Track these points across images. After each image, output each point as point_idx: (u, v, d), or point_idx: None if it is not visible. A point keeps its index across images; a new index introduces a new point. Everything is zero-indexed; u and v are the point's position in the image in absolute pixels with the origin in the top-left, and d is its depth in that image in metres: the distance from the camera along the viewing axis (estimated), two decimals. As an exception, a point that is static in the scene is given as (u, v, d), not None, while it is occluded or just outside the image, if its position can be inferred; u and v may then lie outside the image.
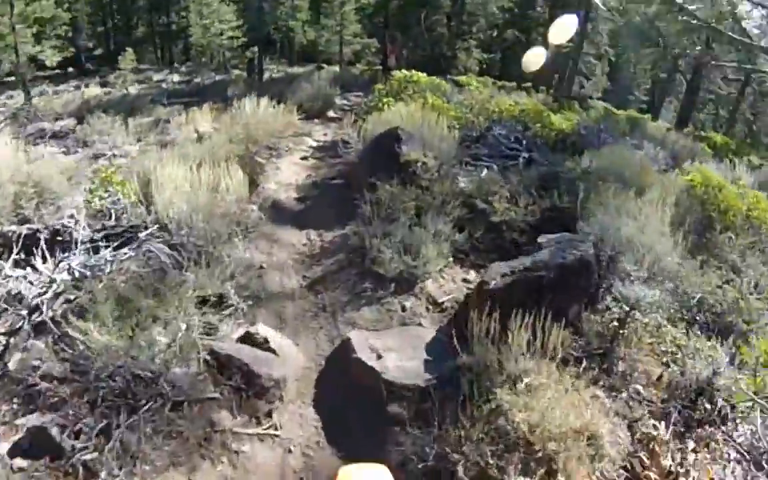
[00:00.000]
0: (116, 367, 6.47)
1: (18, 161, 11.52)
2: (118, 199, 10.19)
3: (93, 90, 31.61)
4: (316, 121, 21.35)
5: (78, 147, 18.20)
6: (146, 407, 6.44)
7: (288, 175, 14.65)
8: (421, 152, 12.39)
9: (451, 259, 10.16)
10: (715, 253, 10.54)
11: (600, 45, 41.84)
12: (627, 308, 7.94)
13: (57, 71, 39.53)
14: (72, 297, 7.82)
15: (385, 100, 17.23)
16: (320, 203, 13.00)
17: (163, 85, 32.08)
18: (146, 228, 9.42)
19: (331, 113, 23.07)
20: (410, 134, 12.83)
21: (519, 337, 6.68)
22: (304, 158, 16.28)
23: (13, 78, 32.58)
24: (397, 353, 7.60)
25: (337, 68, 36.16)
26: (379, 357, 7.49)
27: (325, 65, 36.88)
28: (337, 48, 37.46)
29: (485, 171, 13.41)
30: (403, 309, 8.96)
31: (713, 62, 36.95)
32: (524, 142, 15.70)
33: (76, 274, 8.15)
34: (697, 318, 8.72)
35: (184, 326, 7.14)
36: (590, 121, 20.81)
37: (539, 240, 8.88)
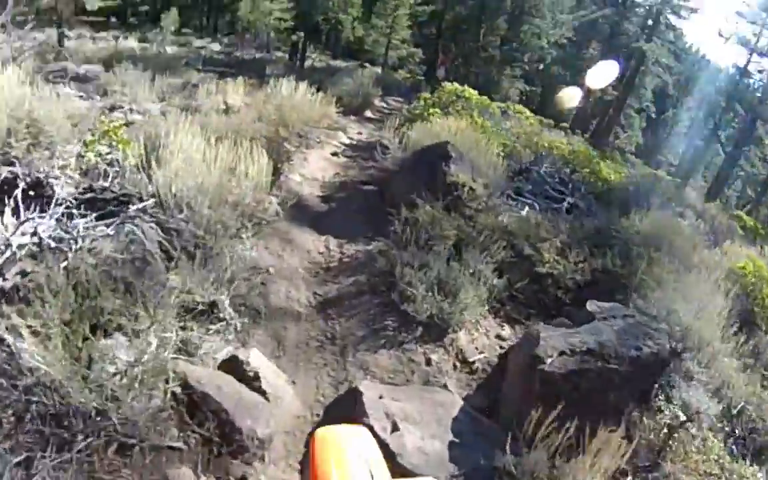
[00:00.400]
0: (50, 390, 4.59)
1: (22, 94, 9.63)
2: (117, 160, 8.30)
3: (130, 43, 29.88)
4: (353, 117, 19.59)
5: (97, 94, 16.43)
6: (84, 444, 4.54)
7: (315, 169, 12.94)
8: (470, 176, 10.66)
9: (486, 307, 8.37)
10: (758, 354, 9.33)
11: (642, 99, 40.24)
12: (683, 416, 6.83)
13: (99, 19, 38.09)
14: (28, 269, 5.93)
15: (432, 110, 15.46)
16: (346, 208, 11.22)
17: (202, 52, 30.22)
18: (141, 200, 7.49)
19: (369, 113, 21.38)
20: (460, 153, 11.09)
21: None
22: (335, 154, 14.61)
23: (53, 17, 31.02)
24: (417, 426, 5.78)
25: (379, 70, 34.63)
26: (396, 428, 5.64)
27: (368, 65, 35.12)
28: (383, 50, 35.96)
29: (526, 209, 11.86)
30: (428, 362, 7.22)
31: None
32: (570, 185, 14.24)
33: (41, 242, 6.27)
34: (736, 430, 7.64)
35: (155, 342, 5.25)
36: (638, 177, 18.87)
37: (589, 307, 7.54)
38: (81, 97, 15.90)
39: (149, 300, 5.72)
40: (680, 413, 6.83)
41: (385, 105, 24.62)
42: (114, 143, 8.49)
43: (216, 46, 34.08)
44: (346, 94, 20.86)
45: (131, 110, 14.77)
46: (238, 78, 18.48)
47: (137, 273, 6.18)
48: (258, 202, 8.78)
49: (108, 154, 8.40)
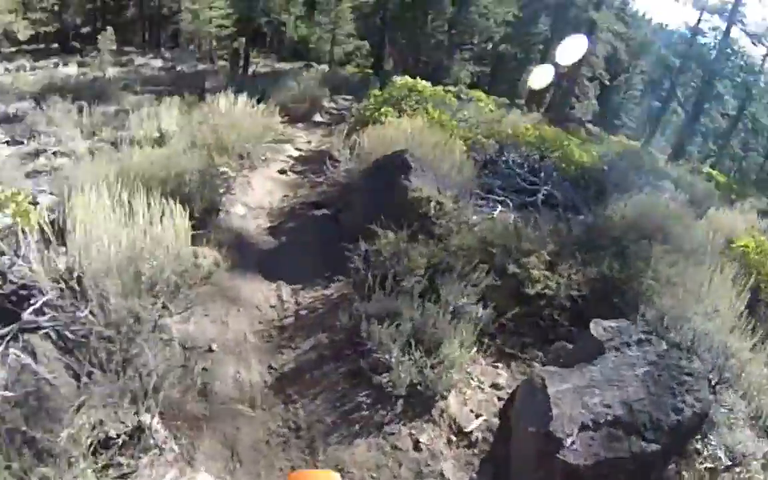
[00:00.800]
0: None
1: None
2: (15, 236, 6.41)
3: (69, 69, 27.75)
4: (300, 125, 17.81)
5: (24, 137, 14.52)
6: None
7: (260, 195, 11.26)
8: (434, 187, 9.00)
9: (474, 349, 6.61)
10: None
11: (595, 68, 38.88)
12: (727, 460, 5.44)
13: (40, 46, 35.64)
14: None
15: (383, 110, 13.69)
16: (298, 240, 9.50)
17: (143, 70, 28.16)
18: (41, 292, 5.63)
19: (317, 117, 19.60)
20: (419, 161, 9.40)
21: None
22: (282, 172, 12.97)
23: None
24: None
25: (326, 67, 32.97)
26: None
27: (314, 63, 33.42)
28: (328, 46, 33.93)
29: (498, 208, 10.58)
30: (417, 446, 5.54)
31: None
32: (542, 173, 12.87)
33: None
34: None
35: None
36: (611, 153, 17.29)
37: (593, 330, 6.03)
38: (7, 142, 14.16)
39: (53, 449, 3.96)
40: (723, 456, 5.40)
41: (334, 106, 22.85)
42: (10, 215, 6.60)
43: (158, 62, 31.89)
44: (291, 100, 19.12)
45: (56, 153, 12.94)
46: (174, 97, 16.68)
47: (32, 414, 4.36)
48: (183, 265, 6.91)
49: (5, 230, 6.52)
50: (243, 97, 14.12)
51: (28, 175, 11.71)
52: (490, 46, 38.54)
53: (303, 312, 7.48)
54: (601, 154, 16.04)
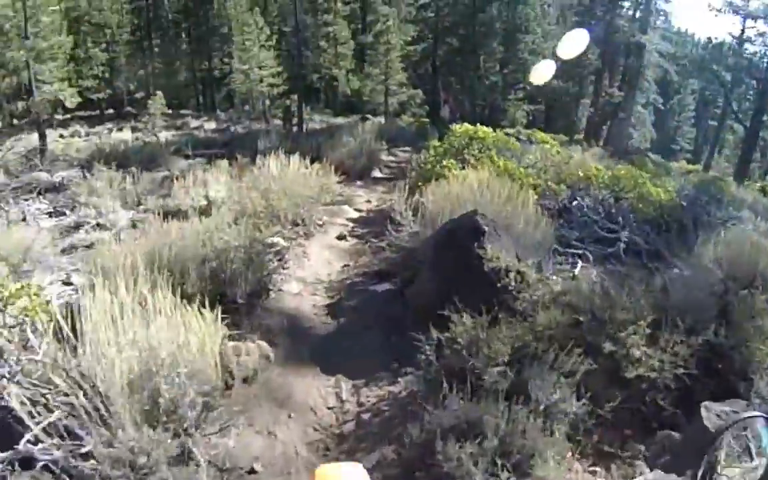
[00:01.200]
0: None
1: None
2: (27, 338, 5.31)
3: (123, 135, 27.29)
4: (358, 183, 16.71)
5: (67, 208, 13.71)
6: None
7: (318, 266, 10.08)
8: (512, 253, 7.71)
9: (569, 453, 5.33)
10: None
11: (648, 93, 37.37)
12: None
13: (94, 113, 35.91)
14: None
15: (446, 163, 12.49)
16: (360, 322, 8.14)
17: (196, 133, 27.49)
18: (49, 408, 4.52)
19: (376, 173, 18.46)
20: (492, 222, 8.03)
21: None
22: (341, 237, 11.72)
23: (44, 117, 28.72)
24: None
25: (382, 119, 31.86)
26: None
27: (369, 116, 32.39)
28: (381, 98, 32.86)
29: (579, 265, 9.27)
30: None
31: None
32: (620, 218, 11.53)
33: None
34: None
35: None
36: (687, 186, 15.77)
37: (704, 416, 5.14)
38: (49, 214, 13.36)
39: None
40: None
41: (392, 158, 21.74)
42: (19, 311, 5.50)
43: (212, 125, 31.29)
44: (348, 156, 18.04)
45: (98, 225, 12.04)
46: (224, 161, 15.83)
47: None
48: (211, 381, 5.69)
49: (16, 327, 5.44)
50: (296, 158, 12.99)
51: (64, 251, 10.82)
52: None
53: (365, 415, 6.21)
54: (677, 188, 14.54)
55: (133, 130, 27.99)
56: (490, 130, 14.46)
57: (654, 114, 41.59)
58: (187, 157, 20.40)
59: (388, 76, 31.73)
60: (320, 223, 12.02)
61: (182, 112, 36.69)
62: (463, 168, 12.24)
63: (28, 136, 24.58)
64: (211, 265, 7.64)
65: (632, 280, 8.26)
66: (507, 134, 16.59)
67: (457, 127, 14.24)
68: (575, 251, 9.90)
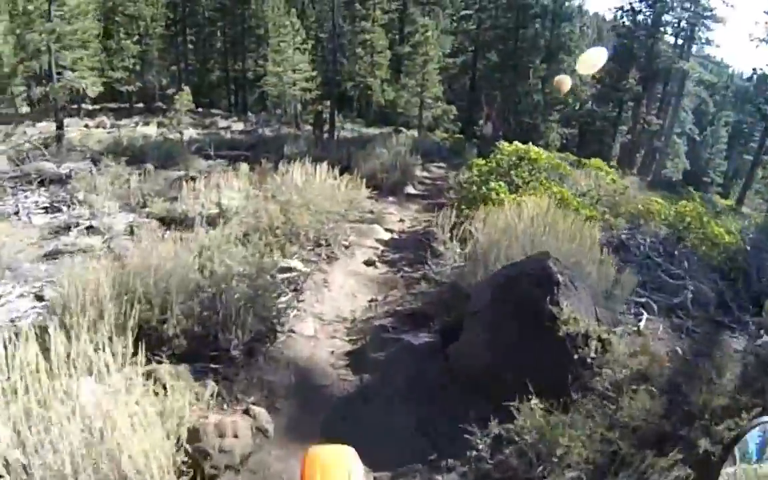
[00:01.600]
0: None
1: None
2: None
3: (148, 129, 25.88)
4: (390, 199, 14.84)
5: (65, 204, 11.96)
6: None
7: (340, 299, 8.23)
8: (590, 312, 5.83)
9: None
10: None
11: (685, 122, 35.38)
12: None
13: (125, 105, 34.98)
14: None
15: (493, 185, 10.60)
16: (388, 385, 6.07)
17: (223, 134, 25.76)
18: None
19: (409, 189, 16.59)
20: (568, 271, 6.11)
21: None
22: (369, 263, 9.88)
23: (74, 105, 28.97)
24: None
25: (415, 132, 30.05)
26: None
27: (403, 129, 30.57)
28: (416, 110, 31.06)
29: (644, 318, 7.66)
30: None
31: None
32: (684, 263, 9.78)
33: None
34: None
35: None
36: (752, 228, 13.74)
37: None
38: (45, 209, 11.88)
39: None
40: None
41: (427, 174, 19.84)
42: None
43: (241, 126, 29.65)
44: (381, 169, 16.20)
45: (90, 228, 10.24)
46: (244, 165, 14.10)
47: None
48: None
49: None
50: (323, 167, 11.17)
51: (48, 256, 9.04)
52: (577, 105, 34.73)
53: (392, 534, 4.33)
54: (741, 229, 12.59)
55: (159, 125, 26.24)
56: (541, 150, 12.50)
57: (687, 144, 39.64)
58: (208, 157, 18.69)
59: (423, 89, 30.02)
60: (346, 243, 10.18)
61: (213, 110, 35.57)
62: (515, 192, 10.40)
63: (49, 124, 22.89)
64: (205, 295, 5.75)
65: (714, 346, 6.55)
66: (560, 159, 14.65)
67: (505, 145, 12.29)
68: (638, 300, 8.14)
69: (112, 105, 33.87)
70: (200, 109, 33.01)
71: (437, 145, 27.04)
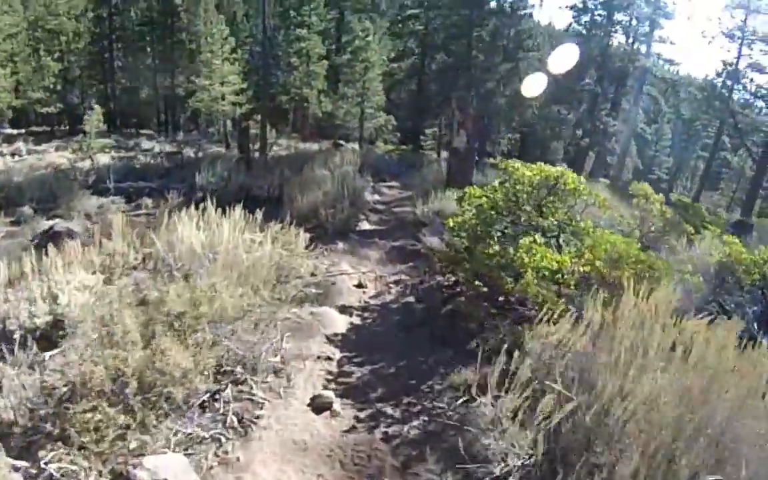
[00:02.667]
0: None
1: None
2: None
3: (60, 156, 20.71)
4: (339, 245, 9.63)
5: None
6: None
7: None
8: None
9: None
10: None
11: (636, 121, 31.68)
12: None
13: (45, 129, 29.80)
14: None
15: (527, 246, 5.62)
16: None
17: (140, 158, 20.22)
18: None
19: (363, 224, 11.47)
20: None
21: None
22: (320, 407, 4.80)
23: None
24: None
25: (356, 145, 25.11)
26: None
27: (342, 142, 25.61)
28: (356, 122, 26.19)
29: None
30: None
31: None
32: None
33: None
34: None
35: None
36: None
37: None
38: None
39: None
40: None
41: (379, 198, 14.61)
42: None
43: (166, 147, 23.99)
44: (325, 200, 11.04)
45: None
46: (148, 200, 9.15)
47: None
48: None
49: None
50: (236, 214, 6.37)
51: None
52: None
53: None
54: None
55: (74, 150, 20.69)
56: (573, 173, 7.36)
57: (635, 143, 36.17)
58: (106, 192, 13.39)
59: (364, 98, 25.17)
60: (278, 361, 5.17)
61: (141, 131, 30.30)
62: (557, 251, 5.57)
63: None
64: None
65: None
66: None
67: (518, 166, 7.06)
68: None
69: (37, 129, 29.10)
70: (128, 130, 29.66)
71: (384, 159, 22.07)
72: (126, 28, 32.57)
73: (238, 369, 4.81)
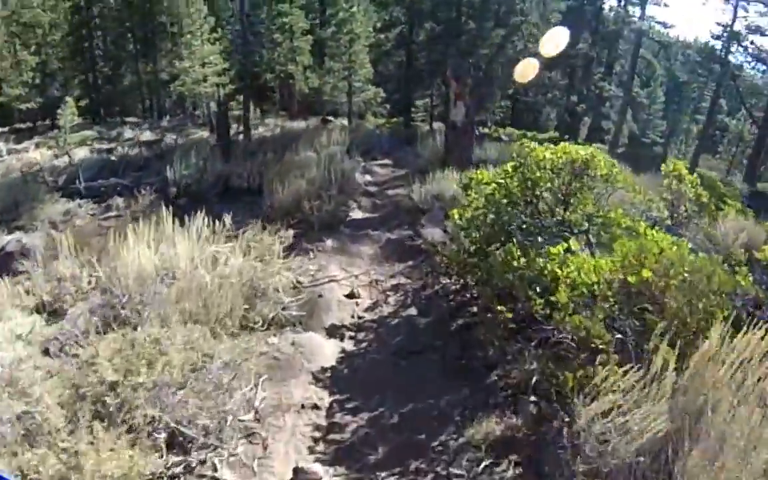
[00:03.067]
0: None
1: None
2: None
3: (39, 153, 18.91)
4: (327, 243, 8.17)
5: None
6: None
7: None
8: None
9: None
10: None
11: (632, 87, 30.53)
12: None
13: (28, 125, 27.32)
14: None
15: (560, 254, 4.35)
16: None
17: (120, 150, 18.70)
18: None
19: (355, 212, 9.98)
20: None
21: None
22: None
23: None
24: None
25: (345, 121, 23.77)
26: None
27: (331, 118, 24.35)
28: (344, 97, 24.64)
29: None
30: None
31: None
32: None
33: None
34: None
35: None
36: None
37: None
38: None
39: None
40: None
41: (371, 178, 13.00)
42: None
43: (149, 135, 22.52)
44: (309, 189, 9.57)
45: None
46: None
47: None
48: None
49: None
50: (199, 224, 5.31)
51: None
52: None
53: None
54: None
55: (50, 147, 19.34)
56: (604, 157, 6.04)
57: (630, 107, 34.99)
58: (77, 195, 12.11)
59: (351, 71, 23.57)
60: (252, 421, 4.05)
61: (126, 119, 28.42)
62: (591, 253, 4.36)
63: None
64: None
65: None
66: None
67: (537, 148, 5.74)
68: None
69: (21, 126, 27.11)
70: (113, 119, 27.39)
71: (374, 135, 20.74)
72: (105, 16, 30.95)
73: (201, 438, 3.63)
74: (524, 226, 5.30)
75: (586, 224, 5.10)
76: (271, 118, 24.93)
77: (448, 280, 6.33)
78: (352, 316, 5.93)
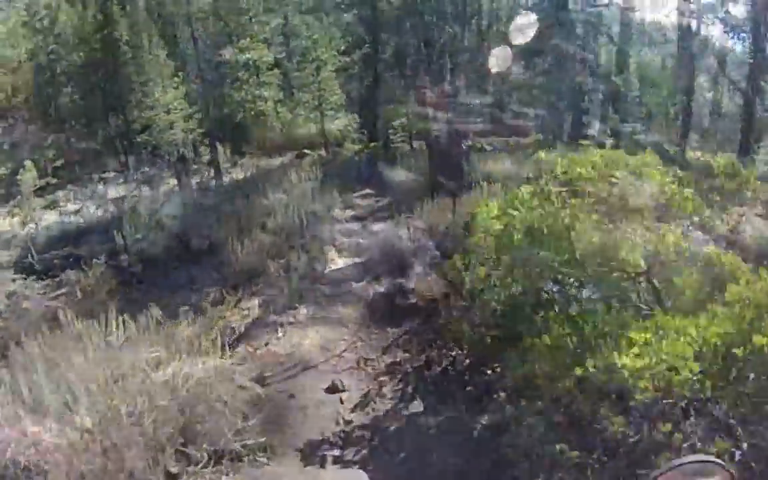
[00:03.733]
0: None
1: None
2: None
3: (8, 224, 17.40)
4: (302, 312, 6.35)
5: None
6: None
7: None
8: None
9: None
10: None
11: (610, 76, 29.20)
12: None
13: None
14: None
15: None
16: None
17: (90, 211, 17.23)
18: None
19: (334, 261, 8.12)
20: None
21: None
22: None
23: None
24: None
25: (323, 152, 22.33)
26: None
27: (308, 151, 22.60)
28: (318, 126, 23.29)
29: None
30: None
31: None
32: None
33: None
34: None
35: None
36: None
37: None
38: None
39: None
40: None
41: (351, 213, 11.16)
42: None
43: (124, 189, 21.00)
44: (276, 244, 7.83)
45: None
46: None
47: None
48: None
49: None
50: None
51: None
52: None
53: None
54: None
55: (13, 215, 17.77)
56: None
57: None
58: (28, 270, 10.39)
59: (321, 100, 22.50)
60: None
61: (104, 175, 26.98)
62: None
63: None
64: None
65: None
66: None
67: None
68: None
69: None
70: (89, 175, 24.06)
71: (353, 162, 19.20)
72: (69, 73, 29.67)
73: None
74: (558, 277, 3.62)
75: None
76: (247, 159, 23.56)
77: (459, 352, 4.65)
78: (336, 423, 4.28)
